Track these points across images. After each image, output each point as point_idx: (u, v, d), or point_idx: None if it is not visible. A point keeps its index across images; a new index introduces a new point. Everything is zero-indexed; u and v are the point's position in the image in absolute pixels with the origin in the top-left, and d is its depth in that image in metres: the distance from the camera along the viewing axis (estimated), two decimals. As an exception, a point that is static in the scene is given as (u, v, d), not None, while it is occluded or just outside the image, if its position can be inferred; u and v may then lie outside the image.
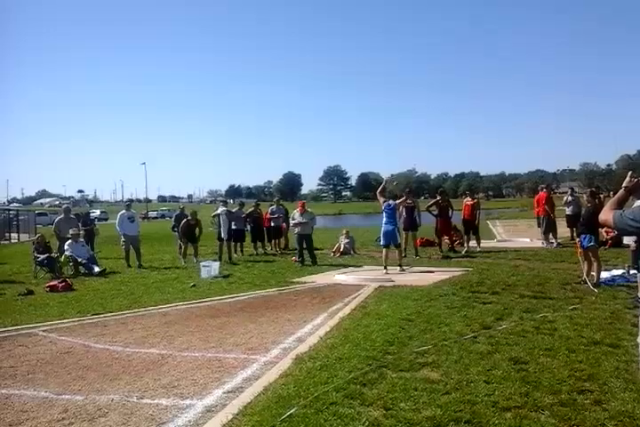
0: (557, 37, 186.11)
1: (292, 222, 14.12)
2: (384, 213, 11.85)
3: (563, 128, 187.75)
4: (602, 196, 14.54)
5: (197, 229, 14.98)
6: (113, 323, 7.35)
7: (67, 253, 12.98)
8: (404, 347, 5.53)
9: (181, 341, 6.30)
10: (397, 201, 12.26)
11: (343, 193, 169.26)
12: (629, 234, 3.22)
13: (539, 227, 16.32)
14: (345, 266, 12.59)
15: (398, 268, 11.52)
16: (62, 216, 14.79)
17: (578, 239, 9.41)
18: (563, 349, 5.28)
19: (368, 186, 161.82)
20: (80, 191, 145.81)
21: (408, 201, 14.33)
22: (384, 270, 11.29)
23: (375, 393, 4.26)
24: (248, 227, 16.56)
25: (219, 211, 14.87)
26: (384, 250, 11.68)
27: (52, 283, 10.66)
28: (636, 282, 7.87)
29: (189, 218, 15.13)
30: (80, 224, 15.17)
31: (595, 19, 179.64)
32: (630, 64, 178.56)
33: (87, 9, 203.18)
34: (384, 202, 11.83)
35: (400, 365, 4.94)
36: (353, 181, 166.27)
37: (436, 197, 15.56)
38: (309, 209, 14.18)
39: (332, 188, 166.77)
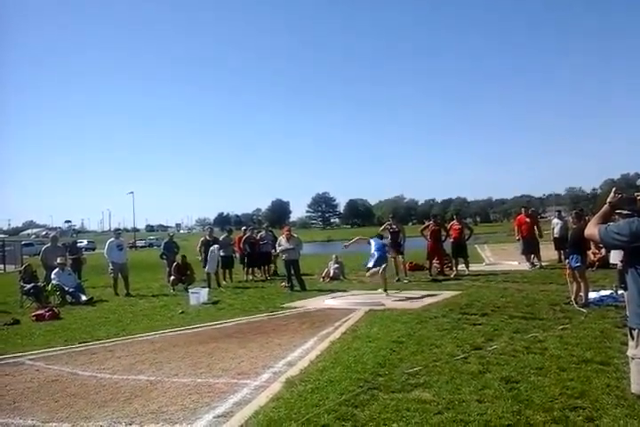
0: (542, 64, 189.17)
1: (278, 248, 14.08)
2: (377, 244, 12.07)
3: (548, 154, 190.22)
4: (587, 217, 14.69)
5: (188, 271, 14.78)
6: (100, 351, 7.25)
7: (54, 281, 12.84)
8: (395, 369, 5.50)
9: (170, 367, 6.22)
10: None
11: (332, 220, 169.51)
12: (615, 247, 3.28)
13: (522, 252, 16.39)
14: (334, 291, 12.55)
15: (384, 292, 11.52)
16: (49, 245, 14.68)
17: (567, 260, 9.49)
18: (554, 367, 5.28)
19: (356, 212, 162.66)
20: (67, 221, 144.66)
21: (392, 226, 14.49)
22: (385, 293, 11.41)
23: (367, 415, 4.23)
24: (237, 255, 16.57)
25: (213, 248, 14.67)
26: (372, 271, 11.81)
27: (38, 312, 10.52)
28: (624, 302, 7.93)
29: (179, 262, 14.79)
30: (67, 253, 15.05)
31: (580, 49, 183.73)
32: (615, 91, 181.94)
33: (65, 37, 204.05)
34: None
35: (392, 386, 4.91)
36: (341, 208, 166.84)
37: (424, 223, 15.73)
38: (295, 235, 14.19)
39: (320, 215, 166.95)
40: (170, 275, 14.87)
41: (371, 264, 11.84)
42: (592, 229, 3.16)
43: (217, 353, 6.80)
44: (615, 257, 8.54)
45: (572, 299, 8.93)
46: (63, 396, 5.24)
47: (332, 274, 15.28)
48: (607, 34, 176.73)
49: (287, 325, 8.62)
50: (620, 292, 9.03)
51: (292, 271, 13.37)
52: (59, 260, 13.38)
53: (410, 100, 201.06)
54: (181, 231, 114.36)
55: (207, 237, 15.36)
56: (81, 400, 5.07)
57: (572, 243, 9.31)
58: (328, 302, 10.76)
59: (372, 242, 12.14)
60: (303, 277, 13.64)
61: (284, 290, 13.27)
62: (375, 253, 11.86)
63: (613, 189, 3.31)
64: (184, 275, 14.45)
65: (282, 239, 13.84)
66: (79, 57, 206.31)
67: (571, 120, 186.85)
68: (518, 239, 16.05)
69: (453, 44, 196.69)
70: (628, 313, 5.95)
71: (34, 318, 10.23)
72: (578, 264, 9.03)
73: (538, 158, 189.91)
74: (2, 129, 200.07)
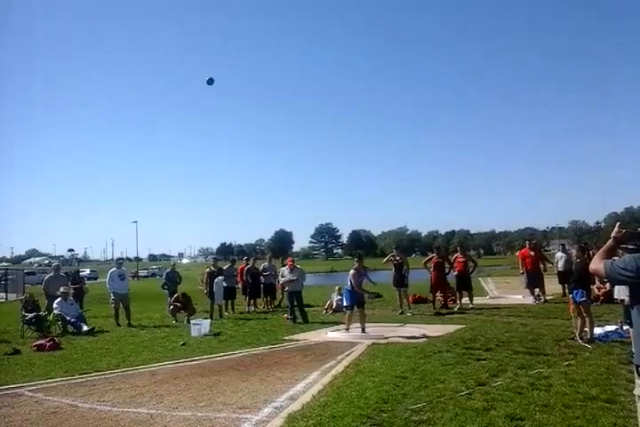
0: (546, 98, 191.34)
1: (281, 280, 14.01)
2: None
3: (552, 187, 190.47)
4: (591, 251, 14.67)
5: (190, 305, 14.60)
6: (101, 382, 7.19)
7: (55, 311, 12.79)
8: (398, 404, 5.44)
9: (171, 400, 6.16)
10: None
11: (335, 250, 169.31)
12: (621, 283, 3.27)
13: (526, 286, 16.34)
14: (337, 323, 12.46)
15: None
16: (52, 274, 14.69)
17: (570, 295, 9.44)
18: (559, 405, 5.21)
19: (359, 243, 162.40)
20: (70, 250, 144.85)
21: (396, 258, 14.46)
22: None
23: (370, 452, 4.17)
24: (239, 285, 16.54)
25: (218, 280, 14.58)
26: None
27: (39, 342, 10.45)
28: (630, 338, 7.86)
29: (180, 299, 14.44)
30: (69, 282, 15.03)
31: (580, 82, 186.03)
32: (618, 126, 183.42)
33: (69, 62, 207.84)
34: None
35: (395, 423, 4.85)
36: (344, 239, 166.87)
37: (427, 255, 15.71)
38: (298, 266, 14.16)
39: (323, 245, 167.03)
40: (171, 305, 14.78)
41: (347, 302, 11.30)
42: (597, 264, 3.17)
43: (218, 386, 6.73)
44: (620, 292, 8.49)
45: (577, 334, 8.86)
46: (62, 429, 5.19)
47: (334, 306, 15.18)
48: (609, 69, 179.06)
49: (289, 358, 8.54)
50: (625, 327, 8.95)
51: (295, 303, 13.30)
52: (61, 289, 13.35)
53: (412, 131, 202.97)
54: (184, 262, 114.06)
55: (212, 268, 15.30)
56: (80, 434, 5.02)
57: (576, 277, 9.27)
58: (331, 334, 10.68)
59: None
60: (305, 309, 13.56)
61: (286, 322, 13.18)
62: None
63: (617, 224, 3.33)
64: (184, 307, 14.31)
65: (285, 270, 13.80)
66: (87, 86, 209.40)
67: (574, 154, 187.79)
68: (522, 273, 15.99)
69: (454, 80, 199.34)
70: (633, 350, 5.89)
71: (34, 348, 10.16)
72: (583, 299, 8.97)
73: (541, 191, 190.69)
74: (8, 158, 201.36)
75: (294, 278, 13.43)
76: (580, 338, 8.68)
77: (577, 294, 9.03)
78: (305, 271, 14.39)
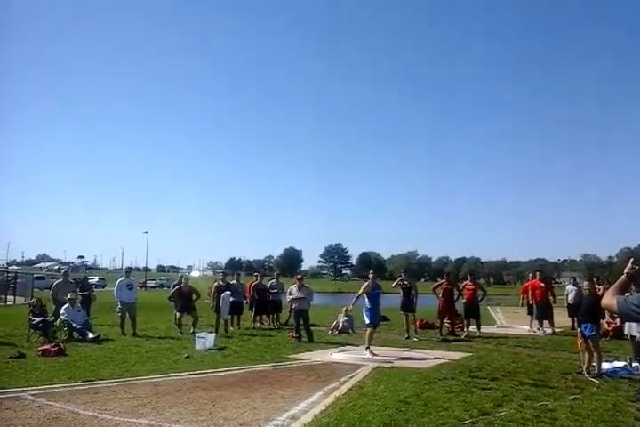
0: (555, 131, 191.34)
1: (288, 297, 13.97)
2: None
3: (565, 219, 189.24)
4: (602, 287, 14.55)
5: (193, 296, 14.83)
6: (103, 390, 7.18)
7: (62, 317, 12.84)
8: (400, 430, 5.38)
9: (172, 412, 6.13)
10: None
11: (343, 271, 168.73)
12: (632, 320, 3.26)
13: (528, 314, 16.24)
14: (343, 344, 12.39)
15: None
16: (61, 280, 14.77)
17: (579, 329, 9.35)
18: (563, 439, 5.14)
19: (368, 265, 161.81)
20: (80, 257, 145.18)
21: (405, 282, 14.41)
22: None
23: (369, 476, 4.13)
24: (247, 301, 16.53)
25: (225, 294, 14.55)
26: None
27: (44, 347, 10.49)
28: (639, 375, 7.76)
29: (182, 285, 14.95)
30: (78, 289, 15.10)
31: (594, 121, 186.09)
32: (631, 161, 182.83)
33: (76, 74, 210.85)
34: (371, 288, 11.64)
35: (396, 448, 4.80)
36: (353, 260, 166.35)
37: (437, 280, 15.66)
38: (307, 284, 14.13)
39: (332, 265, 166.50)
40: (176, 317, 14.82)
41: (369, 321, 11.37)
42: (610, 300, 3.15)
43: (220, 401, 6.71)
44: (631, 329, 8.40)
45: (584, 368, 8.76)
46: (62, 435, 5.18)
47: (340, 327, 15.11)
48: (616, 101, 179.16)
49: (292, 376, 8.49)
50: (634, 364, 8.86)
51: (301, 321, 13.25)
52: (69, 295, 13.42)
53: (427, 157, 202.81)
54: (195, 274, 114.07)
55: (220, 282, 15.31)
56: (80, 441, 5.01)
57: (586, 311, 9.19)
58: (335, 355, 10.62)
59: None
60: (311, 329, 13.51)
61: (291, 340, 13.13)
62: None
63: (631, 260, 3.32)
64: (188, 303, 14.48)
65: (293, 288, 13.77)
66: (106, 93, 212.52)
67: (587, 188, 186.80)
68: (530, 304, 15.82)
69: (463, 104, 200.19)
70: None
71: (40, 352, 10.19)
72: (592, 333, 8.88)
73: (554, 223, 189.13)
74: (23, 163, 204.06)
75: (302, 296, 13.40)
76: (588, 373, 8.58)
77: (586, 328, 8.94)
78: (313, 290, 14.37)
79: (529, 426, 5.58)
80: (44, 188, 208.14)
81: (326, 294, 61.77)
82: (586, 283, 10.32)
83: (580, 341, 9.17)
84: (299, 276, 14.75)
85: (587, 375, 8.47)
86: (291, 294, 13.77)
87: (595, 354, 8.86)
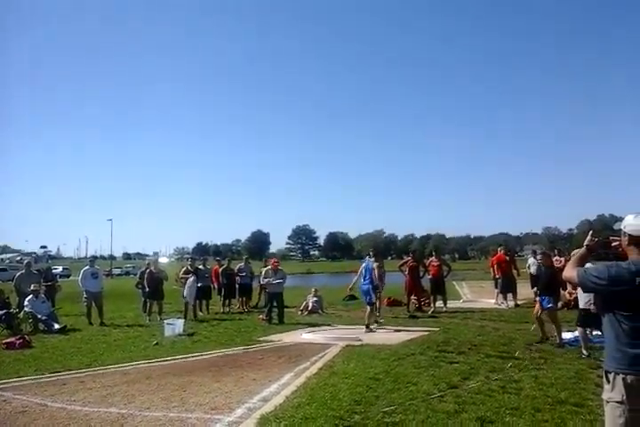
0: (521, 112, 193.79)
1: (263, 281, 13.89)
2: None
3: (526, 193, 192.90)
4: (564, 259, 14.88)
5: (164, 281, 14.70)
6: (71, 381, 7.09)
7: (26, 309, 12.60)
8: (371, 406, 5.47)
9: (142, 400, 6.10)
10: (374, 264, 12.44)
11: (311, 252, 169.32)
12: (593, 291, 3.32)
13: (496, 288, 16.59)
14: (312, 325, 12.47)
15: (365, 329, 11.29)
16: (23, 271, 14.49)
17: (537, 298, 9.60)
18: (528, 408, 5.30)
19: (336, 245, 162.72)
20: (43, 247, 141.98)
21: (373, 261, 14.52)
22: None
23: (342, 453, 4.19)
24: (215, 286, 16.47)
25: (190, 279, 14.49)
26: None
27: (9, 340, 10.28)
28: (599, 343, 8.01)
29: (152, 268, 14.80)
30: (42, 280, 14.81)
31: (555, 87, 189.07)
32: (592, 132, 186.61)
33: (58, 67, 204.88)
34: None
35: (367, 424, 4.88)
36: (321, 241, 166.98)
37: (403, 258, 15.84)
38: (281, 267, 14.13)
39: (300, 247, 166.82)
40: (145, 304, 14.69)
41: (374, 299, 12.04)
42: (571, 272, 3.22)
43: (191, 387, 6.69)
44: (584, 301, 8.63)
45: (540, 338, 9.08)
46: (31, 428, 5.11)
47: (310, 307, 15.19)
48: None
49: (263, 359, 8.52)
50: (595, 333, 9.12)
51: (275, 304, 13.27)
52: (32, 286, 13.15)
53: (392, 135, 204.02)
54: (163, 261, 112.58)
55: (189, 268, 15.18)
56: (49, 433, 4.95)
57: (544, 284, 9.41)
58: (305, 336, 10.68)
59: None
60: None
61: (261, 323, 13.15)
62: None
63: (590, 233, 3.39)
64: (158, 289, 14.37)
65: (269, 271, 13.71)
66: (66, 81, 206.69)
67: (548, 162, 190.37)
68: (498, 278, 16.10)
69: (437, 83, 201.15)
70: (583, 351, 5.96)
71: (4, 345, 9.99)
72: (550, 305, 9.14)
73: (516, 197, 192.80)
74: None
75: (280, 280, 13.41)
76: (540, 342, 9.00)
77: (543, 300, 9.19)
78: (286, 273, 14.38)
79: (495, 397, 5.73)
80: (3, 177, 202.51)
81: (295, 275, 61.91)
82: (539, 257, 10.57)
83: (535, 310, 9.41)
84: (274, 259, 14.68)
85: (537, 345, 8.84)
86: (266, 277, 13.67)
87: (554, 326, 9.14)
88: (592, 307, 8.44)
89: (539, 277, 15.10)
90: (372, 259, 12.81)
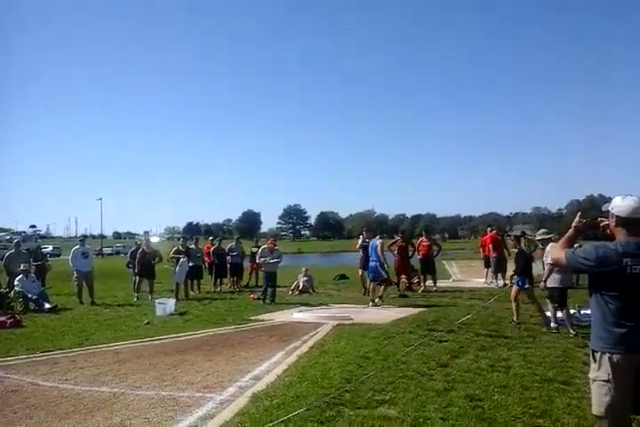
0: (516, 95, 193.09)
1: (260, 260, 13.85)
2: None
3: (516, 173, 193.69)
4: (553, 238, 14.93)
5: (156, 259, 14.73)
6: (63, 361, 7.10)
7: (16, 288, 12.57)
8: (361, 384, 5.52)
9: (134, 379, 6.12)
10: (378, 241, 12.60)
11: (302, 232, 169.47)
12: (581, 272, 3.36)
13: (486, 267, 16.70)
14: (303, 304, 12.53)
15: (370, 303, 11.88)
16: (13, 251, 14.39)
17: (513, 279, 9.69)
18: (517, 386, 5.37)
19: (327, 225, 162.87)
20: (32, 226, 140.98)
21: (366, 240, 14.52)
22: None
23: (332, 431, 4.23)
24: (206, 265, 16.49)
25: (182, 260, 14.48)
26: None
27: (-1, 319, 10.28)
28: (587, 321, 8.11)
29: (145, 248, 14.79)
30: (31, 259, 14.74)
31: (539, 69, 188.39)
32: (582, 113, 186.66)
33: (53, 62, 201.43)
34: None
35: (357, 402, 4.93)
36: (312, 221, 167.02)
37: (394, 238, 15.89)
38: (277, 247, 14.13)
39: (291, 226, 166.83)
40: (135, 284, 14.69)
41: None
42: (559, 253, 3.23)
43: (182, 366, 6.72)
44: (553, 281, 8.73)
45: (515, 318, 9.19)
46: (23, 407, 5.12)
47: (301, 287, 15.26)
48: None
49: (254, 338, 8.57)
50: (582, 312, 9.24)
51: (270, 283, 13.31)
52: (22, 266, 13.10)
53: (381, 115, 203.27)
54: (154, 240, 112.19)
55: (180, 248, 15.16)
56: (41, 412, 4.96)
57: (519, 266, 9.42)
58: (296, 315, 10.74)
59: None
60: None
61: (252, 302, 13.20)
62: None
63: (578, 214, 3.40)
64: (149, 267, 14.43)
65: (266, 250, 13.69)
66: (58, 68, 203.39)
67: (536, 143, 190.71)
68: (494, 257, 16.10)
69: (420, 70, 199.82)
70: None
71: (-6, 325, 9.98)
72: (527, 286, 9.21)
73: (506, 177, 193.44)
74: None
75: (277, 260, 13.42)
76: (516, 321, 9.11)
77: (520, 281, 9.25)
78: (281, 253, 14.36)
79: (484, 375, 5.80)
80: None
81: (286, 254, 62.02)
82: (511, 243, 10.69)
83: (513, 291, 9.46)
84: (271, 239, 14.65)
85: (514, 324, 8.98)
86: (263, 256, 13.64)
87: (534, 305, 9.24)
88: (542, 284, 8.76)
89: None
90: (377, 236, 13.04)
